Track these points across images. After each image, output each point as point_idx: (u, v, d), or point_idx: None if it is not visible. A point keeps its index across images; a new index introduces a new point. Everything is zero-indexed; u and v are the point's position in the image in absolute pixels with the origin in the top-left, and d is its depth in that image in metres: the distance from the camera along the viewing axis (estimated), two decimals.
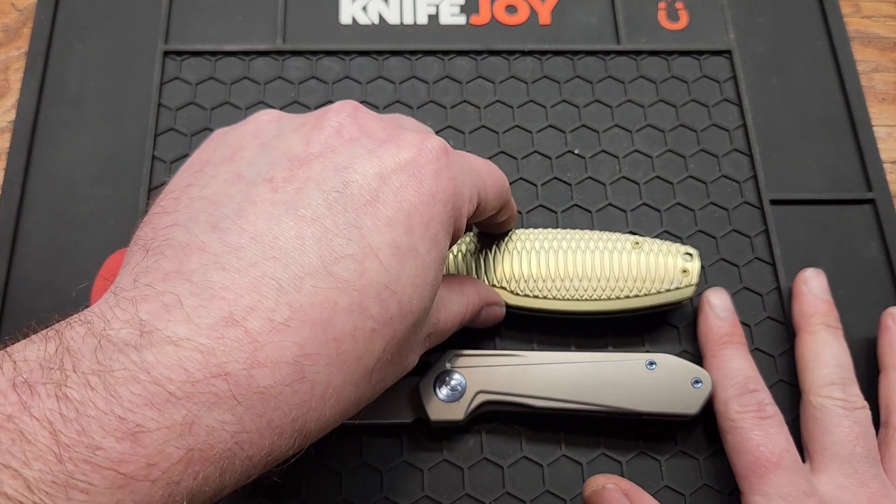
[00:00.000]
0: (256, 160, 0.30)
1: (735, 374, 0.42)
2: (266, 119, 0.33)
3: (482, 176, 0.36)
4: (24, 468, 0.21)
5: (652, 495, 0.42)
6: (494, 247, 0.45)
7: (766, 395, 0.41)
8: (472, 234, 0.46)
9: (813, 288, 0.46)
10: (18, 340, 0.24)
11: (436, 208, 0.30)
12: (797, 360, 0.44)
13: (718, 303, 0.45)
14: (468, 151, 0.51)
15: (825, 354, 0.43)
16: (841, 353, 0.43)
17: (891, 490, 0.38)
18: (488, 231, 0.45)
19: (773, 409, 0.41)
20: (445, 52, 0.55)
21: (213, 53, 0.54)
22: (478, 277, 0.44)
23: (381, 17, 0.56)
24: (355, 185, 0.29)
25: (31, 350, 0.23)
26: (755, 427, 0.39)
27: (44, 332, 0.24)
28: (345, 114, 0.32)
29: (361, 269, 0.27)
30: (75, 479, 0.21)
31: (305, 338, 0.26)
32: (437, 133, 0.52)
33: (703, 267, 0.48)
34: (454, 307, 0.37)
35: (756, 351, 0.46)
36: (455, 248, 0.45)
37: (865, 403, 0.41)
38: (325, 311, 0.26)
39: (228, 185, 0.29)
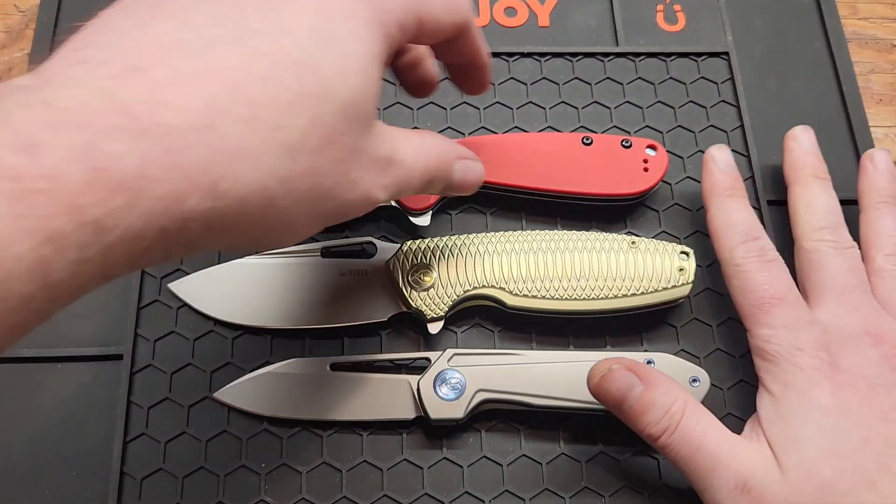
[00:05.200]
0: None
1: (738, 223, 0.44)
2: None
3: None
4: None
5: (650, 494, 0.43)
6: (493, 247, 0.46)
7: (767, 242, 0.43)
8: (470, 234, 0.47)
9: (802, 144, 0.48)
10: None
11: (358, 3, 0.30)
12: (790, 211, 0.47)
13: (721, 157, 0.47)
14: None
15: (816, 203, 0.45)
16: (830, 201, 0.45)
17: (881, 313, 0.41)
18: (462, 80, 0.41)
19: (774, 254, 0.43)
20: None
21: None
22: (476, 277, 0.45)
23: None
24: None
25: None
26: (759, 269, 0.42)
27: None
28: None
29: (276, 44, 0.28)
30: None
31: (215, 92, 0.26)
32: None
33: (699, 266, 0.49)
34: (413, 146, 0.35)
35: None
36: (453, 248, 0.46)
37: (854, 244, 0.44)
38: (237, 73, 0.27)
39: None
